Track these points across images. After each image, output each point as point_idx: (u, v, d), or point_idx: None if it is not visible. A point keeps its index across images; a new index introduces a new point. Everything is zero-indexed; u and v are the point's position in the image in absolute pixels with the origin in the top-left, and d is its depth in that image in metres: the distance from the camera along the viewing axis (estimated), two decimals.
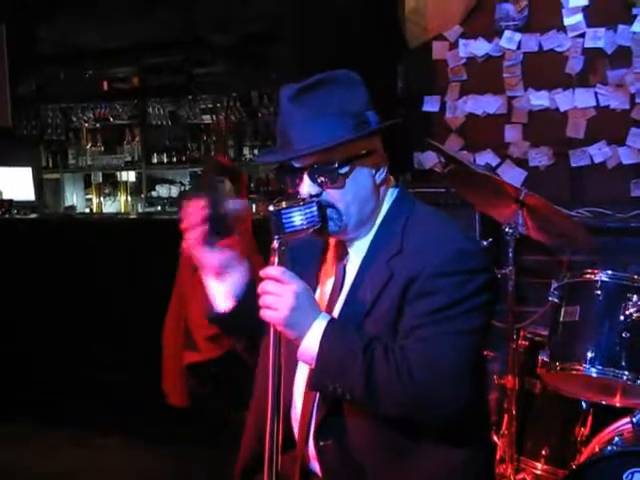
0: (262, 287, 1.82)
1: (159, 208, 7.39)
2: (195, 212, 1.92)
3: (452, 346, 1.79)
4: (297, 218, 1.83)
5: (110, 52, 7.16)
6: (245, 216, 2.09)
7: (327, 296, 2.03)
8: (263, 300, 1.81)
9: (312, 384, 1.87)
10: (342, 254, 2.03)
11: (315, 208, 1.85)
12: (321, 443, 1.94)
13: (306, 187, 1.90)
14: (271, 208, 1.83)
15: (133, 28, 6.60)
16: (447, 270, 1.82)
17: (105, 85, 7.65)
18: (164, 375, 4.53)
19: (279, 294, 1.79)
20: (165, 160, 7.47)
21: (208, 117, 7.19)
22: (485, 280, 1.86)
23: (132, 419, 4.94)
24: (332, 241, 2.07)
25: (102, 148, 7.75)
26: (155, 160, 7.51)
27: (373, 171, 1.96)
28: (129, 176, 7.88)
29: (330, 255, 2.09)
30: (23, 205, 6.92)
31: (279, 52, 5.66)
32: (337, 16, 4.96)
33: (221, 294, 2.04)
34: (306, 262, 2.07)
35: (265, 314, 1.80)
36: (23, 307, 5.51)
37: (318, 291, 2.05)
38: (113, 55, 7.23)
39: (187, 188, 7.53)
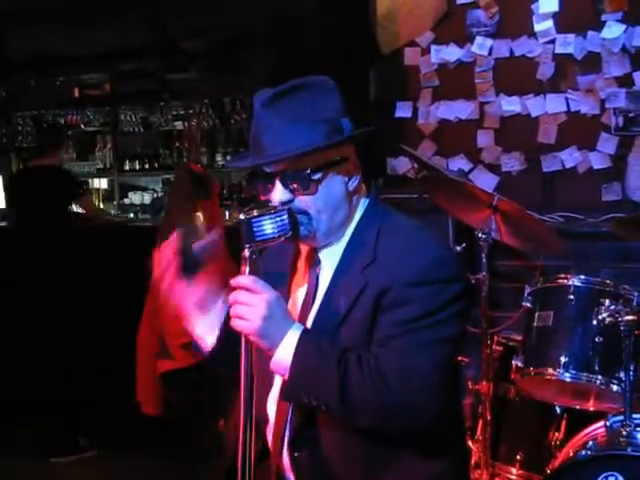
0: (233, 297, 1.80)
1: (132, 215, 7.36)
2: (165, 256, 1.92)
3: (426, 355, 1.79)
4: (268, 226, 1.81)
5: (81, 58, 7.12)
6: (219, 243, 2.06)
7: (299, 304, 2.02)
8: (235, 310, 1.79)
9: (285, 395, 1.86)
10: (314, 262, 2.02)
11: (286, 216, 1.82)
12: (295, 454, 1.93)
13: (278, 193, 1.89)
14: (241, 217, 1.81)
15: (104, 34, 6.56)
16: (421, 279, 1.82)
17: (76, 92, 7.59)
18: (138, 384, 4.51)
19: (251, 304, 1.77)
20: (137, 167, 7.43)
21: (180, 123, 7.17)
22: (458, 289, 1.86)
23: (105, 429, 4.92)
24: (304, 250, 2.06)
25: (73, 155, 7.69)
26: (127, 167, 7.47)
27: (346, 179, 1.95)
28: (101, 183, 7.84)
29: (301, 264, 2.08)
30: None
31: (251, 58, 5.65)
32: (309, 22, 4.96)
33: (206, 328, 2.03)
34: (277, 271, 2.06)
35: (237, 324, 1.78)
36: None
37: (290, 300, 2.04)
38: (84, 61, 7.19)
39: (160, 195, 7.50)
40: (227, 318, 1.95)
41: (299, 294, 2.05)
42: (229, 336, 1.95)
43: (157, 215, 6.82)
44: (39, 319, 5.04)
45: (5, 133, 7.78)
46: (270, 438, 2.00)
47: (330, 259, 1.99)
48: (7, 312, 5.28)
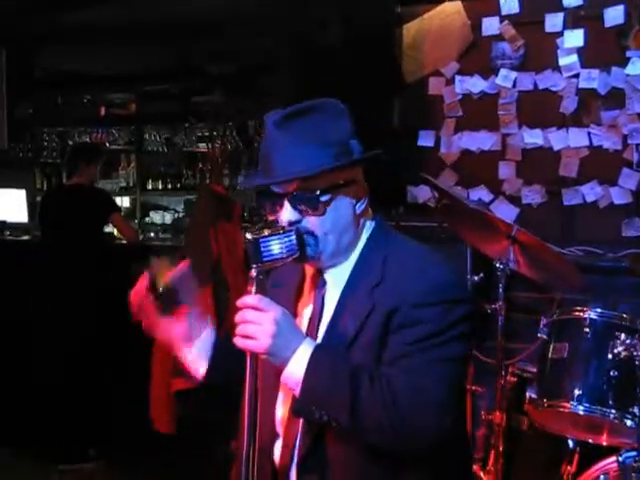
0: (240, 316, 1.79)
1: (152, 234, 7.41)
2: (138, 294, 1.97)
3: (435, 374, 1.80)
4: (275, 247, 1.82)
5: (108, 78, 7.22)
6: (189, 274, 2.06)
7: (305, 326, 2.02)
8: (243, 329, 1.78)
9: (296, 409, 1.86)
10: (319, 283, 2.03)
11: (294, 237, 1.84)
12: (304, 476, 1.91)
13: (286, 214, 1.90)
14: (249, 236, 1.81)
15: (132, 56, 6.65)
16: (428, 300, 1.83)
17: (102, 110, 7.70)
18: (151, 402, 4.52)
19: (258, 322, 1.77)
20: (160, 187, 7.51)
21: (204, 145, 7.24)
22: (465, 311, 1.87)
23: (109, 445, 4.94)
24: (309, 271, 2.07)
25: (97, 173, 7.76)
26: (150, 186, 7.54)
27: (354, 201, 1.96)
28: (123, 201, 7.91)
29: (307, 285, 2.09)
30: (16, 227, 6.93)
31: (276, 83, 5.70)
32: (335, 48, 5.00)
33: (196, 356, 2.06)
34: (283, 291, 2.08)
35: (246, 344, 1.78)
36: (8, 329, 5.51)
37: (297, 320, 2.03)
38: (111, 81, 7.29)
39: (181, 215, 7.55)
40: (217, 341, 2.05)
41: (304, 315, 2.05)
42: (222, 357, 2.02)
43: (177, 235, 6.87)
44: (57, 330, 5.08)
45: (30, 148, 7.88)
46: (278, 456, 1.99)
47: (336, 280, 2.00)
48: (25, 322, 5.34)
